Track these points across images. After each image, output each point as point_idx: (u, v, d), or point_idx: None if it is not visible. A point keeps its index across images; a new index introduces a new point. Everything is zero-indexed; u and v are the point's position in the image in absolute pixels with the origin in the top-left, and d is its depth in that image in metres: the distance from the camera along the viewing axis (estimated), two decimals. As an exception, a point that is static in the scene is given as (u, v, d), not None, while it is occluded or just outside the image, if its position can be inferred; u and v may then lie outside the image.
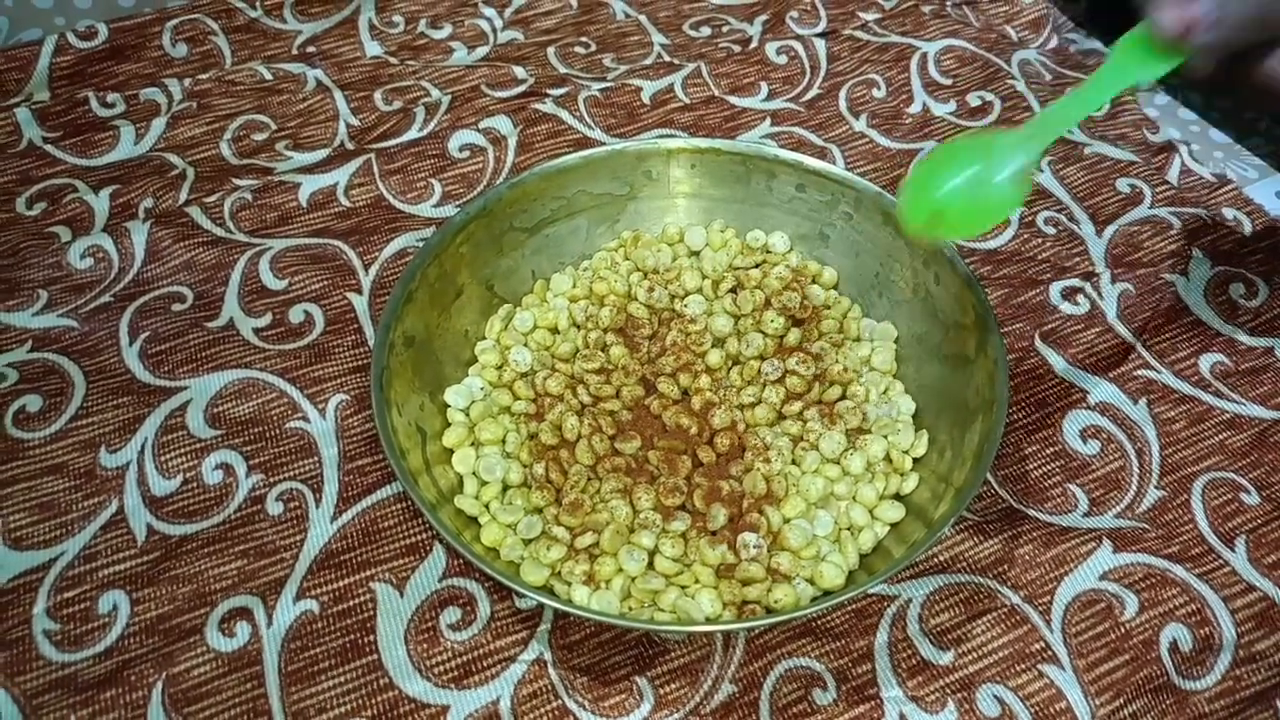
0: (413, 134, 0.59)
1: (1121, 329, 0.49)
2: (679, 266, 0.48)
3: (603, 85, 0.62)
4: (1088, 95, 0.36)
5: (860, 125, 0.60)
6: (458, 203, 0.55)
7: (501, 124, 0.59)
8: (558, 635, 0.39)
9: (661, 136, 0.58)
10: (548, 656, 0.38)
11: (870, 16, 0.67)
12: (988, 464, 0.37)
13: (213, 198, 0.54)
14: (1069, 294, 0.51)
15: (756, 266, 0.48)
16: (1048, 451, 0.45)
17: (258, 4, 0.66)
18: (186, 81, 0.61)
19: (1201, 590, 0.40)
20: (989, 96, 0.62)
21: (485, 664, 0.38)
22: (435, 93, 0.61)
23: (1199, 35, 0.31)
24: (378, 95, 0.61)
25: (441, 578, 0.40)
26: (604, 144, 0.58)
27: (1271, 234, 0.54)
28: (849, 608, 0.39)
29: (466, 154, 0.58)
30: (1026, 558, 0.41)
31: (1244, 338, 0.49)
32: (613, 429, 0.42)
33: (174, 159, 0.57)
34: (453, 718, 0.37)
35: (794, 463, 0.42)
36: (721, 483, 0.40)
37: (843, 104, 0.61)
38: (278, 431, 0.44)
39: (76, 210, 0.54)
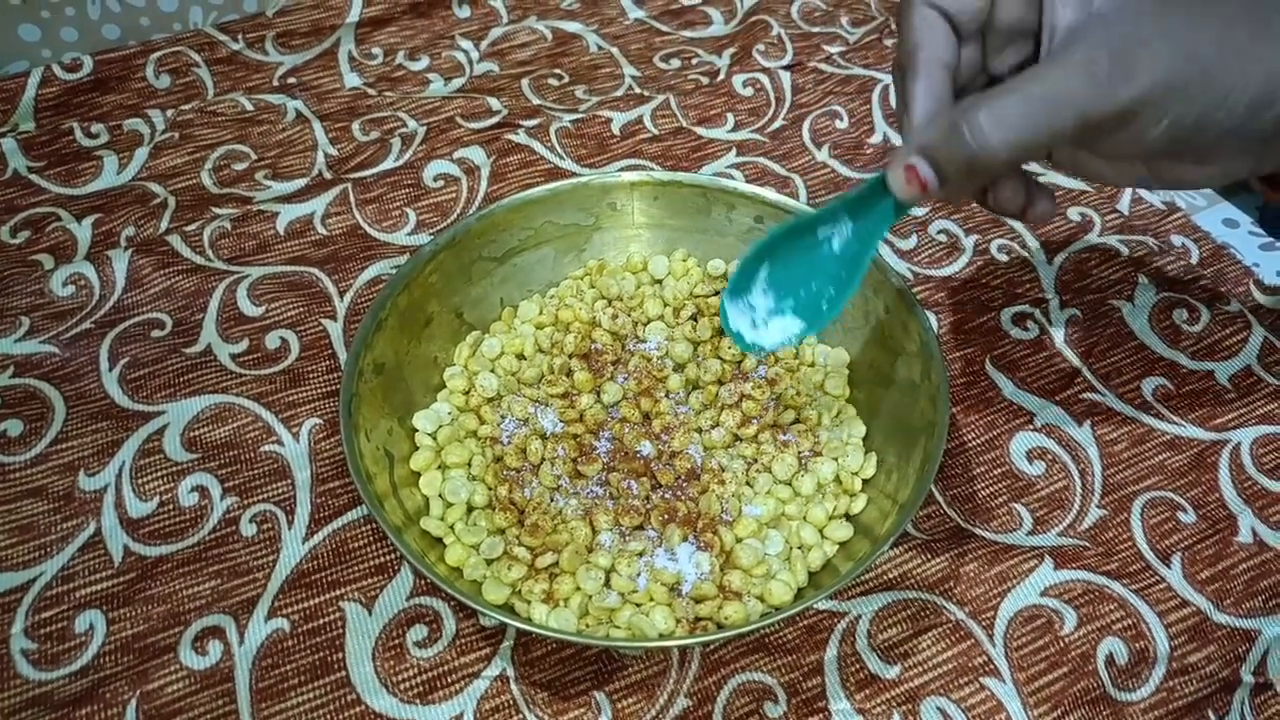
0: (389, 164, 0.60)
1: (1069, 353, 0.51)
2: (642, 294, 0.50)
3: (574, 116, 0.64)
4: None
5: (823, 155, 0.62)
6: (432, 231, 0.57)
7: (475, 154, 0.61)
8: (520, 652, 0.40)
9: (628, 168, 0.60)
10: (510, 672, 0.40)
11: (834, 49, 0.70)
12: (929, 482, 0.39)
13: (193, 226, 0.56)
14: (1019, 319, 0.53)
15: (716, 294, 0.50)
16: (995, 472, 0.46)
17: (240, 36, 0.68)
18: (169, 112, 0.63)
19: (1138, 605, 0.42)
20: (947, 127, 0.64)
21: (450, 680, 0.39)
22: (412, 123, 0.63)
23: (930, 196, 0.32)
24: (355, 126, 0.63)
25: (409, 597, 0.42)
26: (575, 174, 0.60)
27: (1216, 260, 0.56)
28: (800, 624, 0.41)
29: (441, 184, 0.60)
30: (971, 575, 0.43)
31: (1185, 362, 0.51)
32: (575, 452, 0.44)
33: (156, 188, 0.58)
34: (417, 732, 0.38)
35: (748, 484, 0.43)
36: (678, 504, 0.42)
37: (806, 135, 0.63)
38: (252, 455, 0.46)
39: (59, 239, 0.55)
